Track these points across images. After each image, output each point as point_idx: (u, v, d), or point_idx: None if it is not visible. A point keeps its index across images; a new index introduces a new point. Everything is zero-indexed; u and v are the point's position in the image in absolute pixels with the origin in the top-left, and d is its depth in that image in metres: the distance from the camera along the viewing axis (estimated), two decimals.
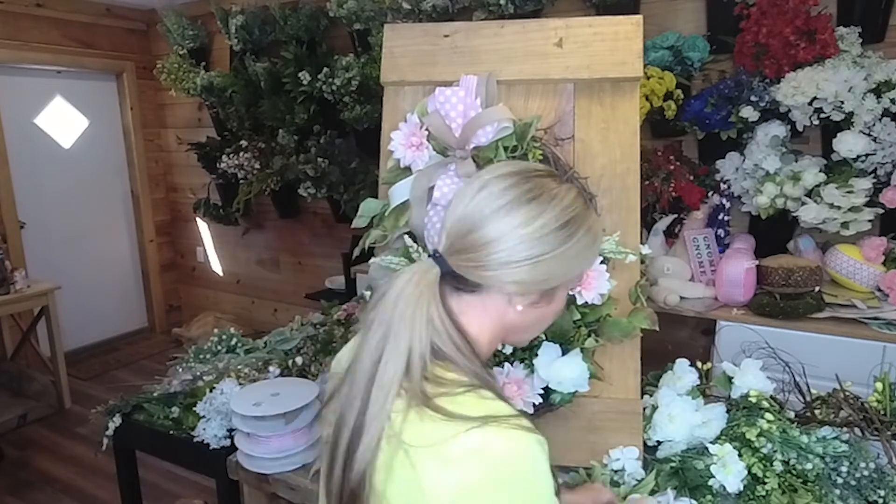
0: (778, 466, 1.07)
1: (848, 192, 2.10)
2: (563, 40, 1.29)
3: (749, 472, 1.07)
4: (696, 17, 2.60)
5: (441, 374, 0.70)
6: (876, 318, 1.99)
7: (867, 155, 2.12)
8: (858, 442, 1.11)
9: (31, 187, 3.93)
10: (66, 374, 3.51)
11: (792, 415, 1.24)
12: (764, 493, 1.06)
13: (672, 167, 2.41)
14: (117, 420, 1.54)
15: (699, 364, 1.36)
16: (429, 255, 0.76)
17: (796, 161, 2.26)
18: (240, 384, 1.52)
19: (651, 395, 1.29)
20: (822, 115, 2.15)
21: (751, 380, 1.26)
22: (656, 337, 1.22)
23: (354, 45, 3.32)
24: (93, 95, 4.30)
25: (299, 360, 1.64)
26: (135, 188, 4.53)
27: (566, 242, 0.73)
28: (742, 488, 1.06)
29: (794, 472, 1.08)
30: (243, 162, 3.55)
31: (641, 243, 1.24)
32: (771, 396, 1.24)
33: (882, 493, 1.04)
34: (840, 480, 1.06)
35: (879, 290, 2.10)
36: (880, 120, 2.10)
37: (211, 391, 1.50)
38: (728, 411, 1.22)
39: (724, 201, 2.43)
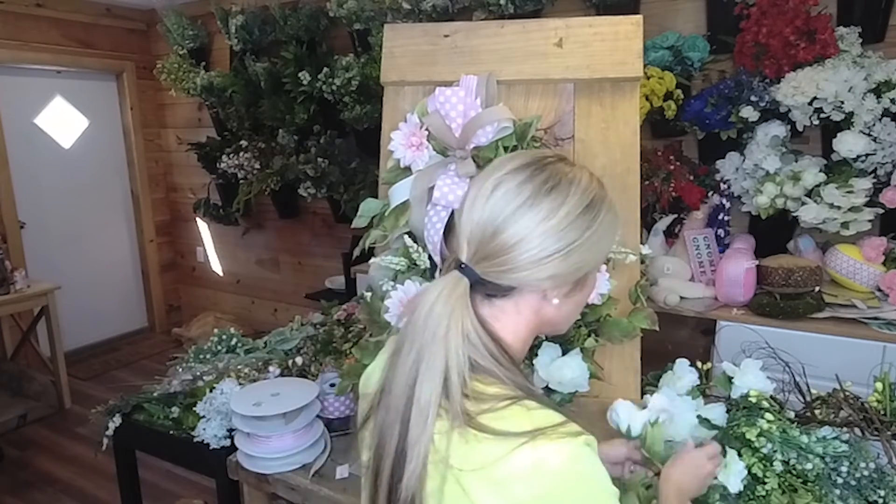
0: (778, 466, 1.07)
1: (848, 192, 2.10)
2: (563, 40, 1.29)
3: (749, 472, 1.07)
4: (696, 17, 2.60)
5: (482, 390, 0.67)
6: (876, 318, 1.99)
7: (867, 155, 2.12)
8: (858, 442, 1.11)
9: (31, 187, 3.93)
10: (66, 374, 3.51)
11: (792, 415, 1.24)
12: (764, 493, 1.06)
13: (672, 167, 2.41)
14: (117, 420, 1.54)
15: (699, 364, 1.36)
16: (456, 266, 0.71)
17: (796, 161, 2.26)
18: (240, 384, 1.52)
19: (651, 395, 1.29)
20: (822, 115, 2.15)
21: (751, 380, 1.26)
22: (656, 337, 1.22)
23: (354, 45, 3.32)
24: (93, 95, 4.30)
25: (299, 360, 1.64)
26: (135, 188, 4.53)
27: (592, 226, 0.70)
28: (742, 488, 1.06)
29: (794, 472, 1.08)
30: (243, 162, 3.55)
31: (641, 243, 1.24)
32: (771, 396, 1.24)
33: (882, 493, 1.04)
34: (840, 480, 1.06)
35: (879, 290, 2.10)
36: (880, 120, 2.10)
37: (211, 391, 1.50)
38: (728, 411, 1.22)
39: (724, 201, 2.43)
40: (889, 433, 1.15)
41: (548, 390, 1.15)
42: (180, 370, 1.68)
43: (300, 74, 3.22)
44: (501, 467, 0.61)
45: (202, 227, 4.56)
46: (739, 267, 2.15)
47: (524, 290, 0.72)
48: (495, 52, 1.31)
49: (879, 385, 1.24)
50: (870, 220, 2.12)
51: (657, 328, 1.17)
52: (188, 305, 4.86)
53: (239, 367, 1.64)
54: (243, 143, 3.60)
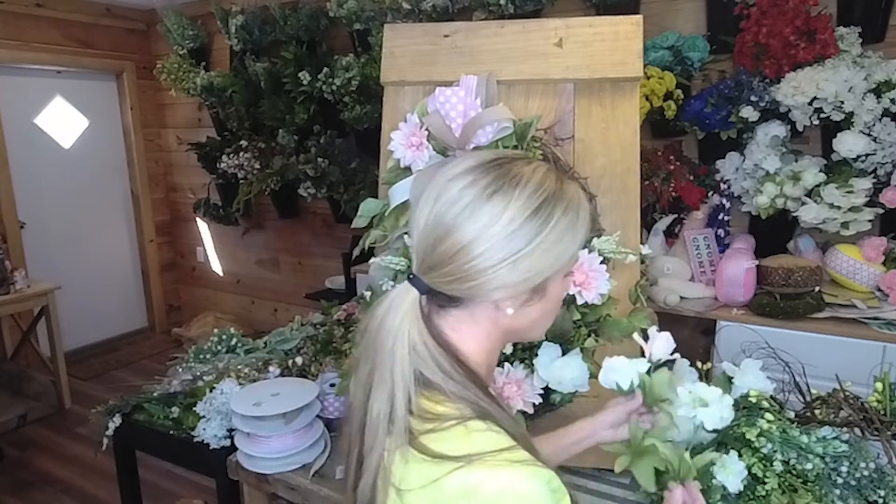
0: (778, 466, 1.07)
1: (848, 192, 2.10)
2: (563, 40, 1.29)
3: (749, 472, 1.07)
4: (696, 17, 2.60)
5: (430, 408, 0.65)
6: (876, 318, 1.99)
7: (867, 155, 2.12)
8: (858, 442, 1.11)
9: (31, 187, 3.93)
10: (66, 374, 3.51)
11: (792, 415, 1.24)
12: (764, 493, 1.06)
13: (672, 167, 2.41)
14: (117, 420, 1.54)
15: (699, 364, 1.36)
16: (408, 277, 0.70)
17: (796, 161, 2.26)
18: (240, 384, 1.52)
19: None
20: (822, 115, 2.15)
21: (751, 380, 1.26)
22: None
23: (354, 45, 3.32)
24: (93, 95, 4.30)
25: (299, 360, 1.64)
26: (135, 188, 4.53)
27: (542, 229, 0.65)
28: (742, 488, 1.06)
29: (794, 472, 1.08)
30: (243, 162, 3.55)
31: (641, 243, 1.24)
32: (771, 396, 1.23)
33: (882, 493, 1.04)
34: (840, 480, 1.06)
35: (879, 290, 2.10)
36: (880, 120, 2.10)
37: (211, 391, 1.50)
38: None
39: (724, 201, 2.43)
40: (889, 433, 1.15)
41: (548, 390, 1.15)
42: (180, 370, 1.68)
43: (300, 74, 3.22)
44: (435, 490, 0.60)
45: (202, 227, 4.56)
46: (739, 267, 2.15)
47: (475, 300, 0.68)
48: (495, 52, 1.31)
49: (879, 385, 1.24)
50: (870, 220, 2.12)
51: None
52: (188, 305, 4.86)
53: (239, 367, 1.64)
54: (243, 143, 3.60)
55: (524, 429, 0.74)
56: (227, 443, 1.40)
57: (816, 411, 1.23)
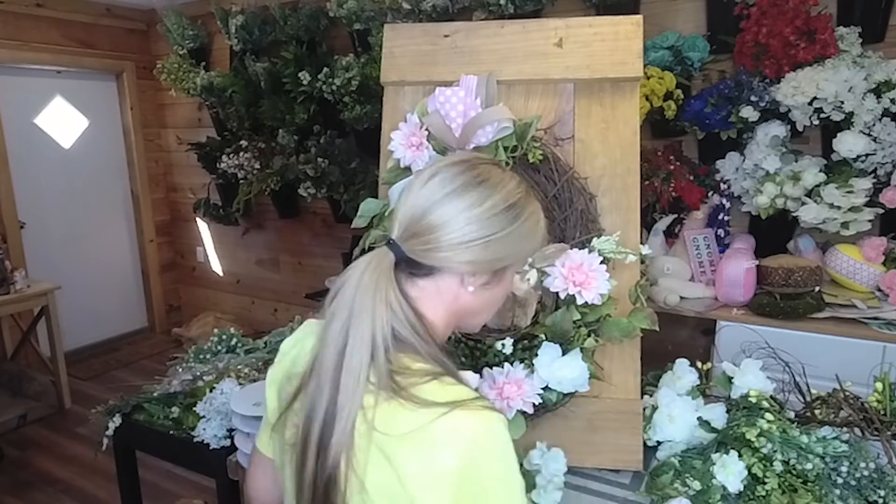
0: (778, 466, 1.07)
1: (848, 192, 2.10)
2: (563, 40, 1.29)
3: (749, 472, 1.07)
4: (696, 17, 2.60)
5: (408, 365, 0.72)
6: (876, 318, 1.99)
7: (867, 155, 2.12)
8: (858, 442, 1.11)
9: (31, 187, 3.93)
10: (66, 374, 3.51)
11: (792, 415, 1.24)
12: (764, 493, 1.06)
13: (672, 167, 2.41)
14: (117, 420, 1.54)
15: (699, 364, 1.36)
16: (385, 243, 0.77)
17: (796, 161, 2.26)
18: (240, 384, 1.52)
19: (651, 395, 1.29)
20: (822, 115, 2.15)
21: (751, 380, 1.26)
22: (656, 337, 1.21)
23: (354, 45, 3.32)
24: (93, 95, 4.30)
25: None
26: (135, 188, 4.53)
27: (513, 223, 0.76)
28: (742, 488, 1.06)
29: (794, 472, 1.08)
30: (243, 162, 3.55)
31: (641, 243, 1.24)
32: (771, 396, 1.24)
33: (882, 493, 1.04)
34: (840, 480, 1.06)
35: (879, 290, 2.10)
36: (880, 120, 2.10)
37: (211, 391, 1.50)
38: (728, 411, 1.22)
39: (724, 201, 2.43)
40: (889, 433, 1.15)
41: (548, 390, 1.15)
42: (180, 370, 1.68)
43: (300, 74, 3.22)
44: (425, 433, 0.67)
45: (202, 227, 4.56)
46: (739, 267, 2.15)
47: (444, 272, 0.77)
48: (495, 52, 1.31)
49: (879, 385, 1.24)
50: (870, 220, 2.12)
51: (657, 328, 1.17)
52: (188, 305, 4.86)
53: (239, 367, 1.64)
54: (243, 143, 3.59)
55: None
56: (227, 443, 1.40)
57: (816, 411, 1.23)
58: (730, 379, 1.31)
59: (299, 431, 0.73)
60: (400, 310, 0.73)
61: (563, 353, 1.14)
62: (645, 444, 1.22)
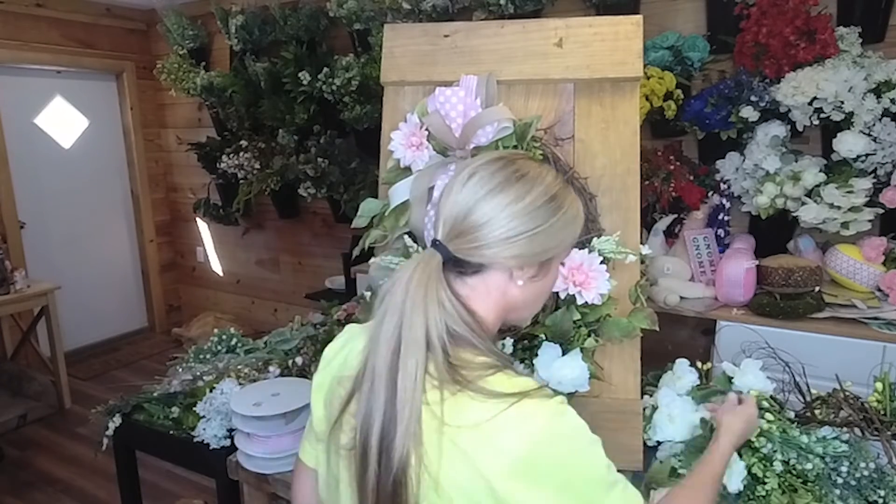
0: (778, 466, 1.07)
1: (848, 192, 2.10)
2: (563, 40, 1.29)
3: (749, 472, 1.07)
4: (696, 17, 2.60)
5: (470, 359, 0.72)
6: (876, 318, 1.99)
7: (867, 155, 2.12)
8: (858, 442, 1.11)
9: (31, 187, 3.93)
10: (66, 374, 3.51)
11: (792, 415, 1.24)
12: (764, 493, 1.06)
13: (672, 167, 2.41)
14: (117, 420, 1.54)
15: (699, 364, 1.36)
16: (432, 244, 0.77)
17: (796, 161, 2.26)
18: (240, 384, 1.52)
19: (651, 395, 1.29)
20: (822, 115, 2.15)
21: (751, 380, 1.26)
22: (656, 337, 1.21)
23: (354, 45, 3.32)
24: (93, 95, 4.30)
25: (299, 360, 1.64)
26: (135, 188, 4.53)
27: (555, 214, 0.77)
28: (742, 488, 1.06)
29: (794, 472, 1.08)
30: (243, 162, 3.55)
31: (641, 243, 1.24)
32: (771, 396, 1.24)
33: (882, 493, 1.04)
34: (840, 480, 1.06)
35: (879, 290, 2.10)
36: (880, 120, 2.10)
37: (211, 391, 1.50)
38: None
39: (724, 201, 2.43)
40: (889, 433, 1.15)
41: None
42: (180, 370, 1.68)
43: (300, 74, 3.22)
44: (496, 422, 0.67)
45: (202, 227, 4.56)
46: (739, 267, 2.15)
47: (492, 268, 0.77)
48: (495, 52, 1.31)
49: (879, 385, 1.24)
50: (870, 220, 2.12)
51: (657, 328, 1.17)
52: (188, 305, 4.86)
53: (239, 367, 1.64)
54: (243, 143, 3.60)
55: None
56: (227, 443, 1.40)
57: (816, 411, 1.23)
58: (730, 379, 1.31)
59: (357, 435, 0.72)
60: (452, 308, 0.74)
61: (564, 353, 1.14)
62: (645, 444, 1.21)
